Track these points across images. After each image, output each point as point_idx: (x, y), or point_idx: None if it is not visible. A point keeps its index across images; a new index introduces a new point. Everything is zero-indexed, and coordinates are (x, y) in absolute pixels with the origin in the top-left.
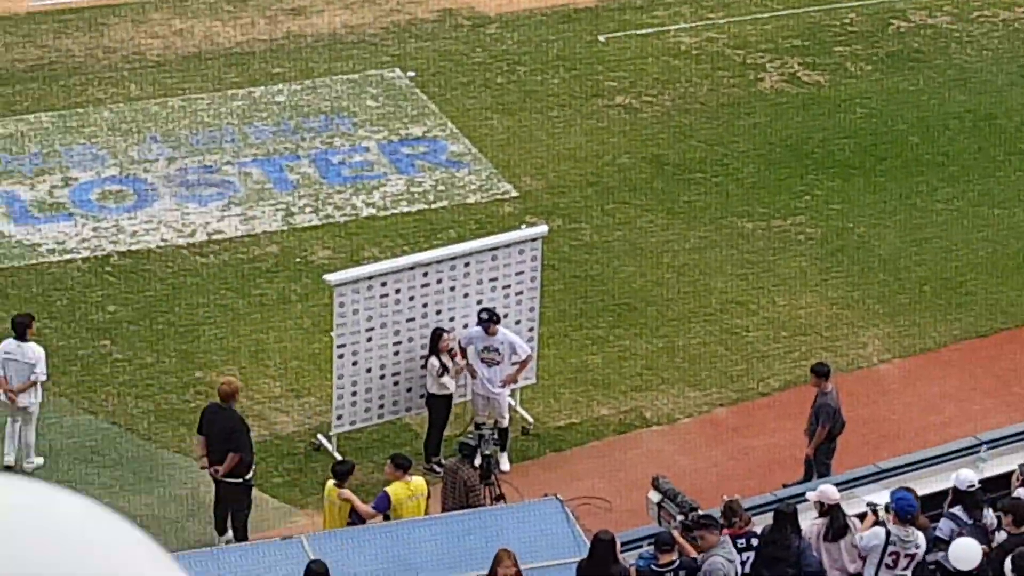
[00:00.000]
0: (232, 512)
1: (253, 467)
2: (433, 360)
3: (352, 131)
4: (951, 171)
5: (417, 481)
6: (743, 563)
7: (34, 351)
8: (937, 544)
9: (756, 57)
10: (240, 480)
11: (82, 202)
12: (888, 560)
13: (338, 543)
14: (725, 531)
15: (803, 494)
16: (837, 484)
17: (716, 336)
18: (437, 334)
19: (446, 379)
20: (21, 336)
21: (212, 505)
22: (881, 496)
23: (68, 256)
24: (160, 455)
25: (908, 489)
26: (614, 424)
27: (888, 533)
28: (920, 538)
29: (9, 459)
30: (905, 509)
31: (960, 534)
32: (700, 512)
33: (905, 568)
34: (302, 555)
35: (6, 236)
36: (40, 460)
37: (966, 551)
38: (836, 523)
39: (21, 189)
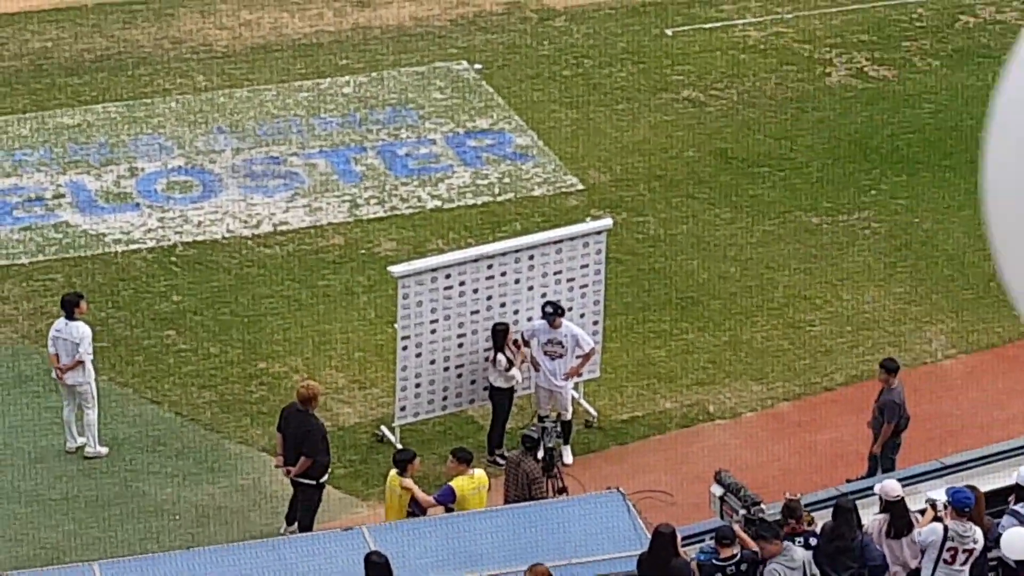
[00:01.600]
0: (300, 509)
1: (329, 471)
2: (501, 356)
3: (418, 123)
4: None
5: (480, 474)
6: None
7: (79, 329)
8: (999, 541)
9: (823, 51)
10: (314, 482)
11: (148, 192)
12: (946, 555)
13: (400, 534)
14: (785, 529)
15: (867, 490)
16: (901, 480)
17: (780, 330)
18: (502, 329)
19: (513, 371)
20: (70, 315)
21: (273, 495)
22: (940, 492)
23: (134, 246)
24: (224, 445)
25: (971, 487)
26: (677, 418)
27: (946, 528)
28: (977, 533)
29: (71, 444)
30: (962, 503)
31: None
32: (761, 515)
33: (963, 564)
34: (363, 546)
35: (72, 226)
36: (104, 450)
37: (1020, 541)
38: (899, 520)
39: (88, 179)
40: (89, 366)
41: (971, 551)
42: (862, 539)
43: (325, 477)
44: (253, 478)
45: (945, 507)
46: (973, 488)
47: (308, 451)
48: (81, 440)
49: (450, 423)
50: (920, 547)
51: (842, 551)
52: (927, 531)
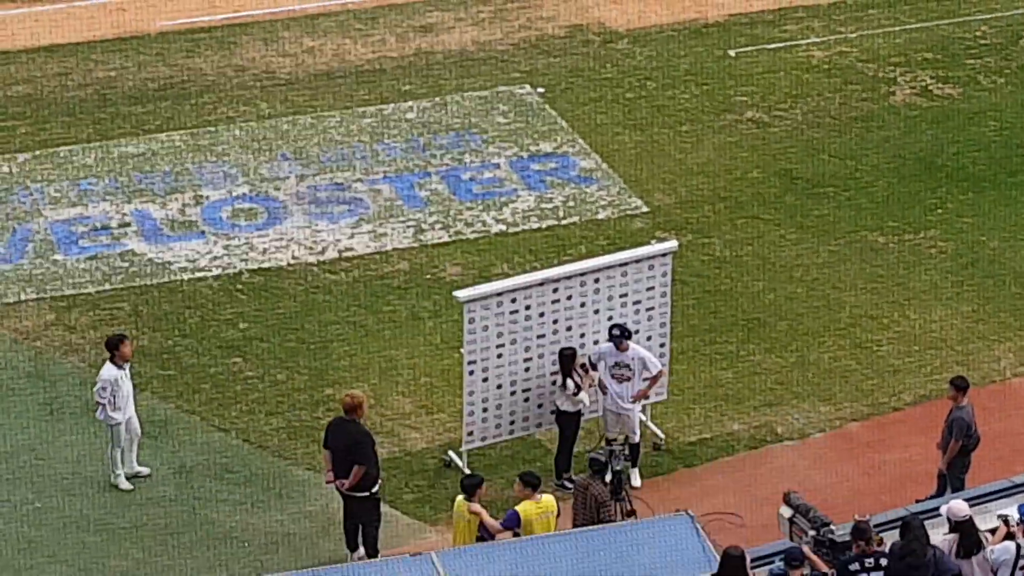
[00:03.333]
0: (362, 527)
1: (380, 480)
2: (569, 381)
3: (482, 147)
4: None
5: (547, 499)
6: None
7: (102, 372)
8: None
9: (887, 70)
10: (367, 494)
11: (213, 220)
12: (1020, 573)
13: (468, 559)
14: (854, 550)
15: (936, 509)
16: (970, 499)
17: (848, 351)
18: (569, 354)
19: (582, 395)
20: (110, 357)
21: (340, 522)
22: (1012, 509)
23: (199, 274)
24: (291, 472)
25: None
26: (745, 439)
27: (1019, 546)
28: None
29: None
30: None
31: None
32: (831, 536)
33: None
34: (432, 571)
35: (138, 255)
36: (127, 485)
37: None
38: (968, 539)
39: (153, 208)
40: (108, 409)
41: None
42: (935, 553)
43: (377, 487)
44: (321, 504)
45: (1018, 524)
46: None
47: (360, 459)
48: (139, 468)
49: (517, 447)
50: (993, 565)
51: (914, 567)
52: (1000, 549)
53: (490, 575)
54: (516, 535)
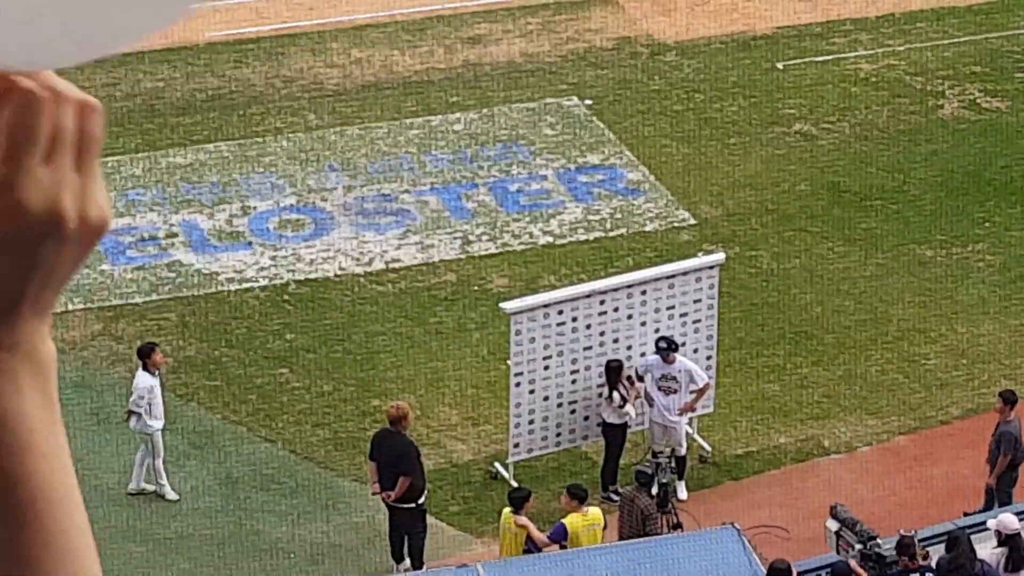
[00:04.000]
0: (408, 538)
1: (426, 491)
2: (615, 394)
3: (529, 159)
4: None
5: (594, 511)
6: None
7: (138, 380)
8: None
9: (935, 84)
10: (414, 505)
11: (260, 231)
12: None
13: (514, 571)
14: (899, 565)
15: (983, 523)
16: (1018, 513)
17: (895, 364)
18: (616, 367)
19: (628, 408)
20: (144, 365)
21: (386, 533)
22: None
23: (246, 285)
24: (338, 483)
25: None
26: (792, 452)
27: None
28: None
29: (132, 486)
30: None
31: None
32: (877, 549)
33: None
34: None
35: (185, 265)
36: (173, 495)
37: None
38: (1017, 553)
39: (200, 218)
40: (145, 417)
41: None
42: (983, 568)
43: (423, 499)
44: (368, 516)
45: None
46: None
47: (406, 470)
48: (144, 485)
49: (563, 459)
50: None
51: None
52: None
53: None
54: (563, 548)
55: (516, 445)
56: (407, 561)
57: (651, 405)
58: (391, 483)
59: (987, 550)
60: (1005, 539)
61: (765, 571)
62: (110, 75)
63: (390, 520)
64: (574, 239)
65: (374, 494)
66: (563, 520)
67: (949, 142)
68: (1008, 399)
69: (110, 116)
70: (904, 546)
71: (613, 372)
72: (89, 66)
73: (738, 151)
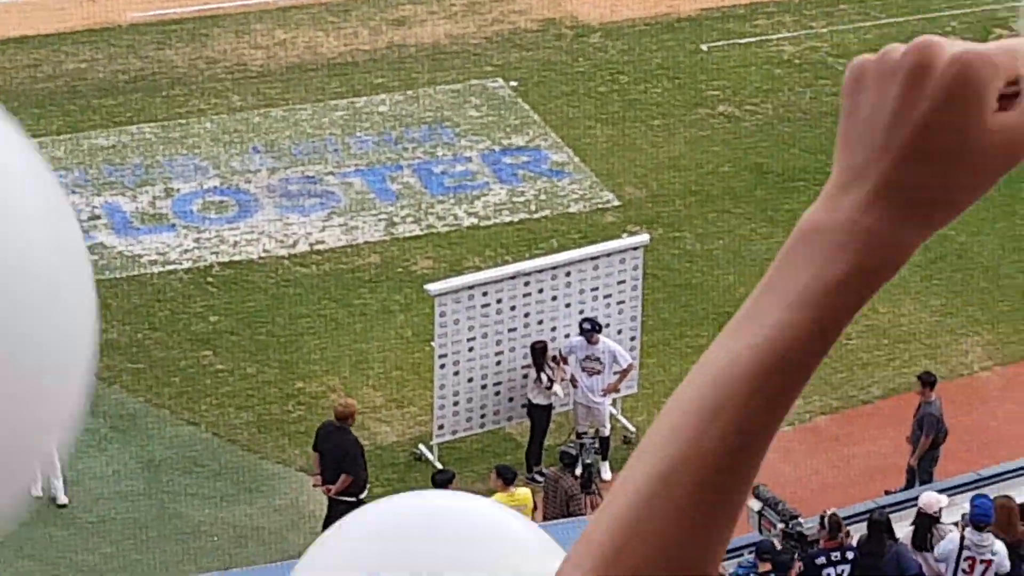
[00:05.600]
0: None
1: (368, 487)
2: (542, 375)
3: (454, 141)
4: None
5: (522, 492)
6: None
7: None
8: None
9: None
10: (354, 499)
11: (184, 213)
12: (964, 566)
13: None
14: (822, 544)
15: (905, 502)
16: (938, 492)
17: None
18: (541, 348)
19: (556, 388)
20: None
21: (311, 515)
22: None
23: (170, 267)
24: (261, 466)
25: (1007, 497)
26: None
27: (962, 538)
28: (997, 545)
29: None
30: (979, 519)
31: None
32: (799, 528)
33: (982, 575)
34: None
35: (108, 247)
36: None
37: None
38: (918, 532)
39: (123, 200)
40: None
41: (989, 562)
42: (897, 550)
43: (364, 494)
44: (291, 498)
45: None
46: (1008, 498)
47: (348, 468)
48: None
49: (488, 441)
50: (937, 558)
51: (873, 566)
52: (944, 542)
53: None
54: None
55: (440, 427)
56: None
57: (575, 386)
58: (333, 477)
59: (904, 529)
60: (915, 518)
61: None
62: (32, 56)
63: (328, 511)
64: (499, 221)
65: (315, 486)
66: (491, 498)
67: None
68: (927, 381)
69: (32, 98)
70: (833, 525)
71: (539, 353)
72: (11, 47)
73: (662, 133)
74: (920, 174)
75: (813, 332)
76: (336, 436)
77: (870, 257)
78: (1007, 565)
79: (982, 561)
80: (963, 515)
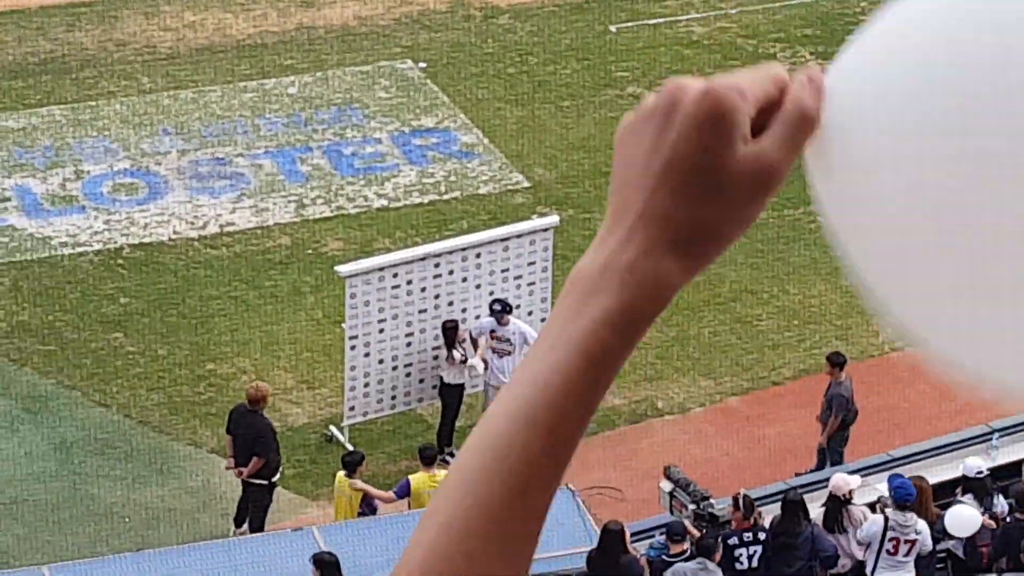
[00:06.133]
0: (251, 509)
1: (280, 470)
2: (455, 352)
3: (364, 122)
4: None
5: (443, 474)
6: (751, 557)
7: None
8: (946, 533)
9: (768, 46)
10: (266, 482)
11: (94, 195)
12: (888, 546)
13: (349, 534)
14: (733, 525)
15: (816, 483)
16: (849, 473)
17: (728, 325)
18: (452, 327)
19: (473, 361)
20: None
21: (222, 496)
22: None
23: (80, 249)
24: (173, 447)
25: (919, 478)
26: (626, 414)
27: (886, 519)
28: (920, 524)
29: None
30: (903, 498)
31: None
32: (711, 510)
33: (907, 555)
34: (313, 546)
35: (18, 229)
36: None
37: (961, 519)
38: (829, 514)
39: (33, 182)
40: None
41: (913, 542)
42: (812, 531)
43: (277, 476)
44: (202, 480)
45: (885, 498)
46: (921, 479)
47: (260, 451)
48: None
49: (399, 422)
50: (861, 540)
51: (788, 547)
52: (868, 524)
53: (372, 549)
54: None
55: (351, 408)
56: (244, 526)
57: (486, 367)
58: (245, 460)
59: (816, 509)
60: (827, 499)
61: (599, 532)
62: None
63: (243, 492)
64: (409, 202)
65: (227, 468)
66: (410, 476)
67: None
68: (835, 361)
69: None
70: (747, 505)
71: (450, 332)
72: None
73: (571, 114)
74: (675, 205)
75: (582, 371)
76: (248, 419)
77: (629, 293)
78: (930, 544)
79: (906, 541)
80: (880, 497)
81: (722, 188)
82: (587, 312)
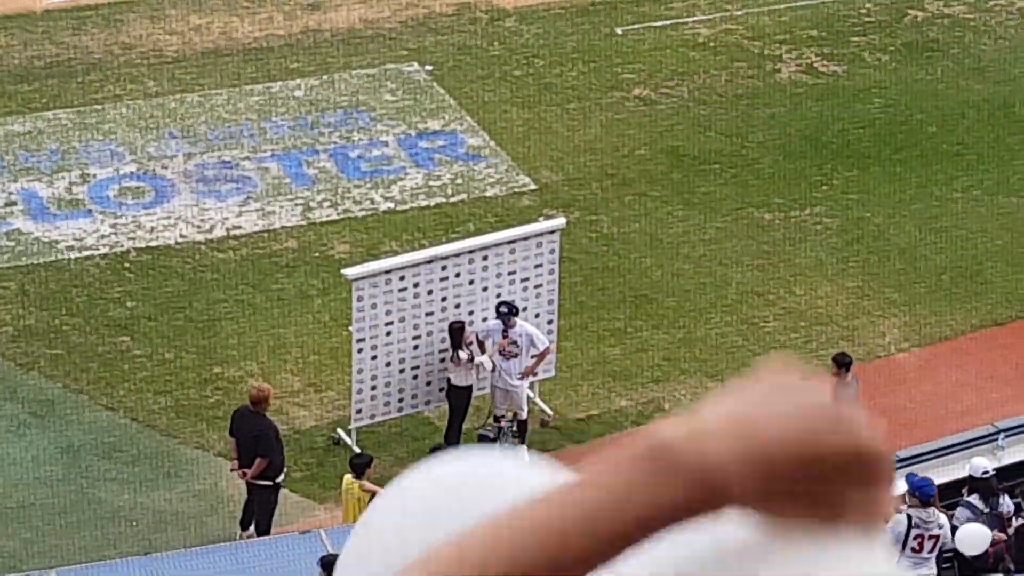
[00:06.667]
0: (257, 511)
1: (285, 470)
2: (462, 354)
3: (370, 125)
4: (968, 160)
5: None
6: None
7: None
8: (954, 533)
9: (773, 48)
10: (271, 483)
11: (100, 199)
12: (913, 544)
13: None
14: None
15: None
16: None
17: (734, 327)
18: (458, 327)
19: (481, 359)
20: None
21: (230, 499)
22: (898, 482)
23: (86, 253)
24: (180, 450)
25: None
26: (633, 416)
27: (909, 517)
28: (942, 519)
29: None
30: (926, 493)
31: (975, 522)
32: None
33: (931, 551)
34: (321, 549)
35: (24, 233)
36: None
37: (971, 536)
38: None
39: (39, 186)
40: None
41: (937, 537)
42: None
43: (281, 477)
44: (210, 483)
45: (906, 496)
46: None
47: (264, 452)
48: None
49: (406, 425)
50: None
51: None
52: (892, 523)
53: None
54: None
55: (359, 411)
56: (251, 529)
57: (492, 369)
58: (249, 462)
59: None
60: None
61: None
62: None
63: (248, 494)
64: (415, 205)
65: (232, 470)
66: None
67: (787, 106)
68: (842, 362)
69: None
70: None
71: (456, 332)
72: None
73: (578, 116)
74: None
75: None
76: (251, 420)
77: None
78: (951, 539)
79: (930, 537)
80: (896, 496)
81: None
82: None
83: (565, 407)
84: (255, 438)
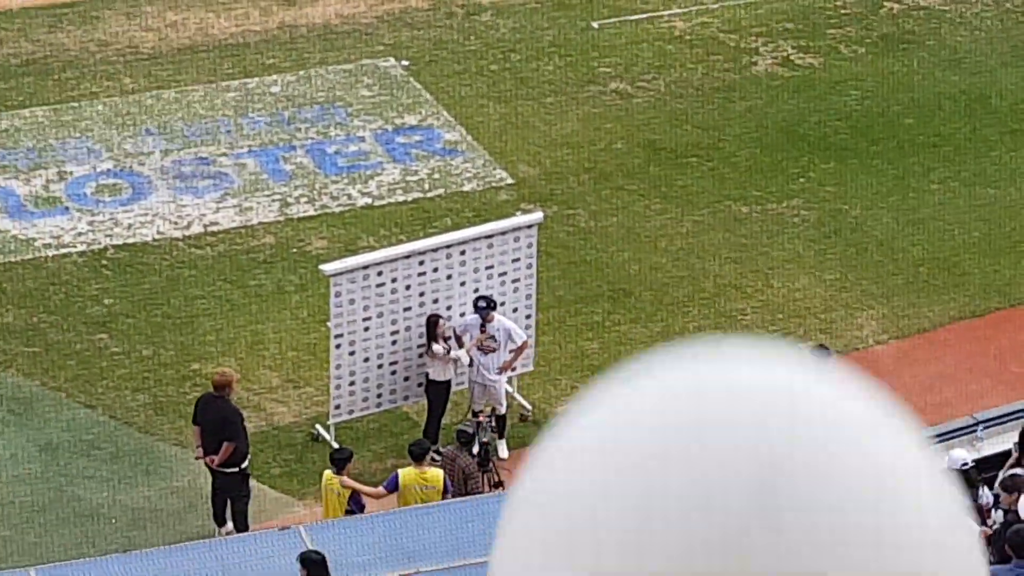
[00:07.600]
0: (231, 502)
1: (249, 456)
2: (436, 347)
3: (347, 121)
4: (945, 152)
5: (433, 473)
6: None
7: None
8: None
9: (749, 41)
10: (237, 469)
11: (77, 196)
12: None
13: (336, 532)
14: None
15: None
16: None
17: (712, 320)
18: (434, 320)
19: (458, 353)
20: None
21: (208, 496)
22: None
23: (64, 250)
24: (158, 448)
25: None
26: None
27: None
28: None
29: None
30: None
31: None
32: None
33: None
34: (300, 545)
35: (2, 231)
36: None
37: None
38: None
39: (16, 184)
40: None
41: None
42: None
43: (246, 463)
44: (188, 480)
45: None
46: None
47: (229, 436)
48: None
49: (385, 420)
50: None
51: None
52: None
53: (359, 547)
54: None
55: (337, 407)
56: (229, 524)
57: (471, 364)
58: (214, 448)
59: None
60: None
61: None
62: None
63: (213, 484)
64: (392, 200)
65: (197, 458)
66: (399, 471)
67: (763, 99)
68: (820, 354)
69: None
70: None
71: (432, 326)
72: None
73: (555, 110)
74: None
75: None
76: (215, 405)
77: None
78: None
79: None
80: None
81: None
82: None
83: (544, 401)
84: (220, 423)
